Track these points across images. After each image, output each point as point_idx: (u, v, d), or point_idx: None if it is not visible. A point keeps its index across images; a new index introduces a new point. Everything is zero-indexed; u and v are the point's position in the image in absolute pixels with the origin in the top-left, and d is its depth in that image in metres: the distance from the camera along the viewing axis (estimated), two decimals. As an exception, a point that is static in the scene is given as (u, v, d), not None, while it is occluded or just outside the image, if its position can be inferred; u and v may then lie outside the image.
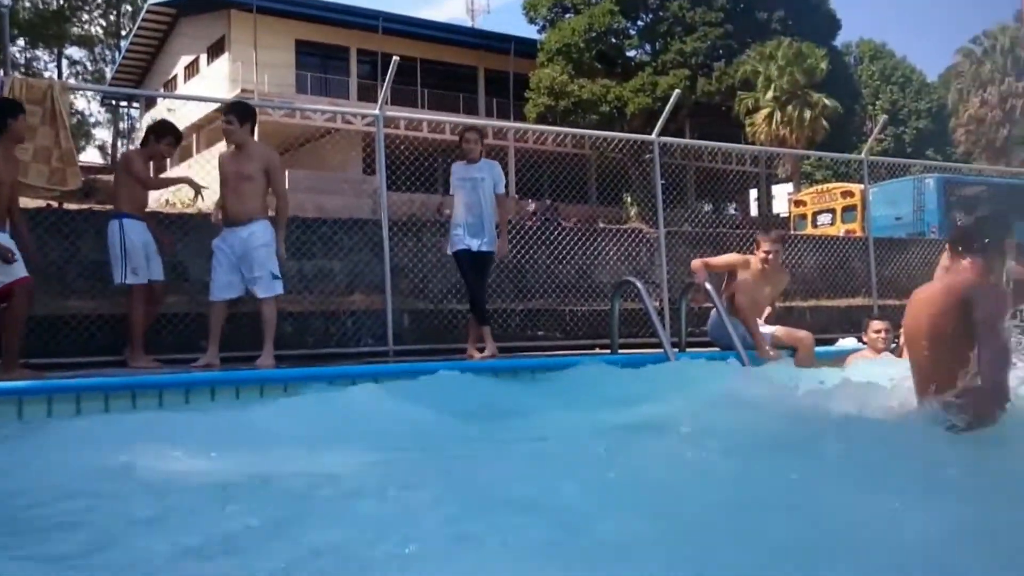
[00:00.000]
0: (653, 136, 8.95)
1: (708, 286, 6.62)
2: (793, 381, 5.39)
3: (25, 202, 6.44)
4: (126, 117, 41.90)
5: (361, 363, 6.64)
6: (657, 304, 7.69)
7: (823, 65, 28.17)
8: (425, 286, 8.61)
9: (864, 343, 6.86)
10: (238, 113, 6.24)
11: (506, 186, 7.39)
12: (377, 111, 7.76)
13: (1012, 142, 33.42)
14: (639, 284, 6.55)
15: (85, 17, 41.35)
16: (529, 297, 8.90)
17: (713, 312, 6.83)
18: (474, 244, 7.10)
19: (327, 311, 7.90)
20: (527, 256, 9.14)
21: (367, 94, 28.53)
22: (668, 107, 8.66)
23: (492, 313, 7.49)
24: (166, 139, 6.52)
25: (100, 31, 42.62)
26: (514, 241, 8.72)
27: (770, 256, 6.87)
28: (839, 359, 6.80)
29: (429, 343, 7.78)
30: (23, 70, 34.07)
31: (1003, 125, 33.39)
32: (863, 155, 10.65)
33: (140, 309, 6.22)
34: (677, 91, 9.56)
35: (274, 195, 6.36)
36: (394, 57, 7.58)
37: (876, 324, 6.75)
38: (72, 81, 34.62)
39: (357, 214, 12.72)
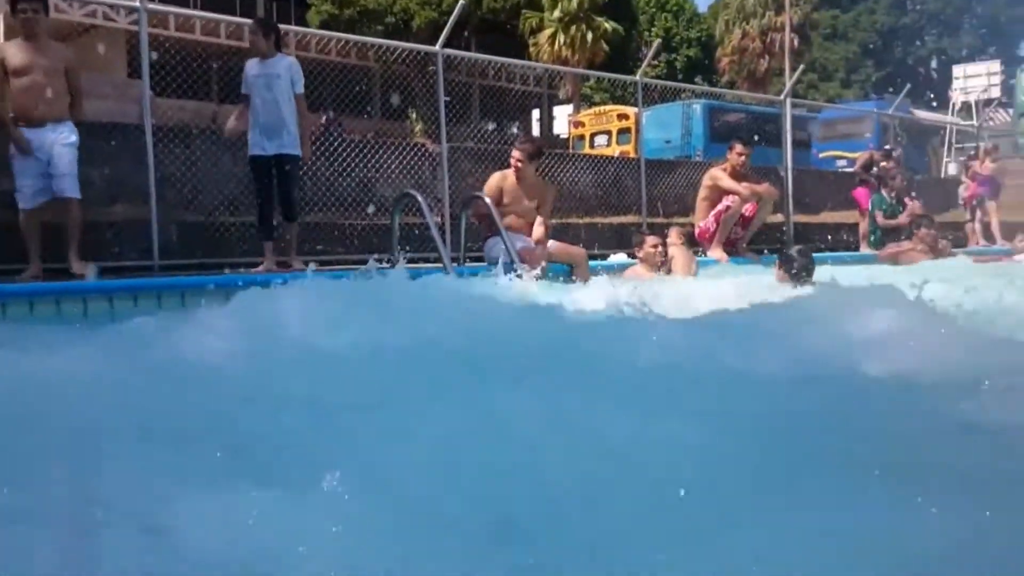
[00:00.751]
0: (437, 47, 8.82)
1: (488, 199, 6.70)
2: (578, 293, 5.62)
3: None
4: None
5: (121, 278, 6.21)
6: (438, 219, 7.68)
7: (604, -12, 28.82)
8: (195, 197, 8.11)
9: (638, 258, 7.17)
10: None
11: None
12: (138, 4, 7.10)
13: (771, 73, 35.85)
14: (419, 197, 6.47)
15: None
16: (308, 211, 8.62)
17: (490, 239, 6.87)
18: (271, 147, 6.66)
19: (85, 222, 7.28)
20: (307, 169, 8.83)
21: (130, -12, 26.11)
22: (452, 18, 8.56)
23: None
24: None
25: None
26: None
27: (519, 163, 6.96)
28: (614, 272, 7.12)
29: (199, 257, 7.39)
30: None
31: (763, 57, 35.66)
32: (637, 77, 11.05)
33: None
34: (462, 2, 9.43)
35: (70, 94, 6.09)
36: (156, -55, 6.95)
37: (652, 239, 7.06)
38: None
39: (124, 120, 11.71)
